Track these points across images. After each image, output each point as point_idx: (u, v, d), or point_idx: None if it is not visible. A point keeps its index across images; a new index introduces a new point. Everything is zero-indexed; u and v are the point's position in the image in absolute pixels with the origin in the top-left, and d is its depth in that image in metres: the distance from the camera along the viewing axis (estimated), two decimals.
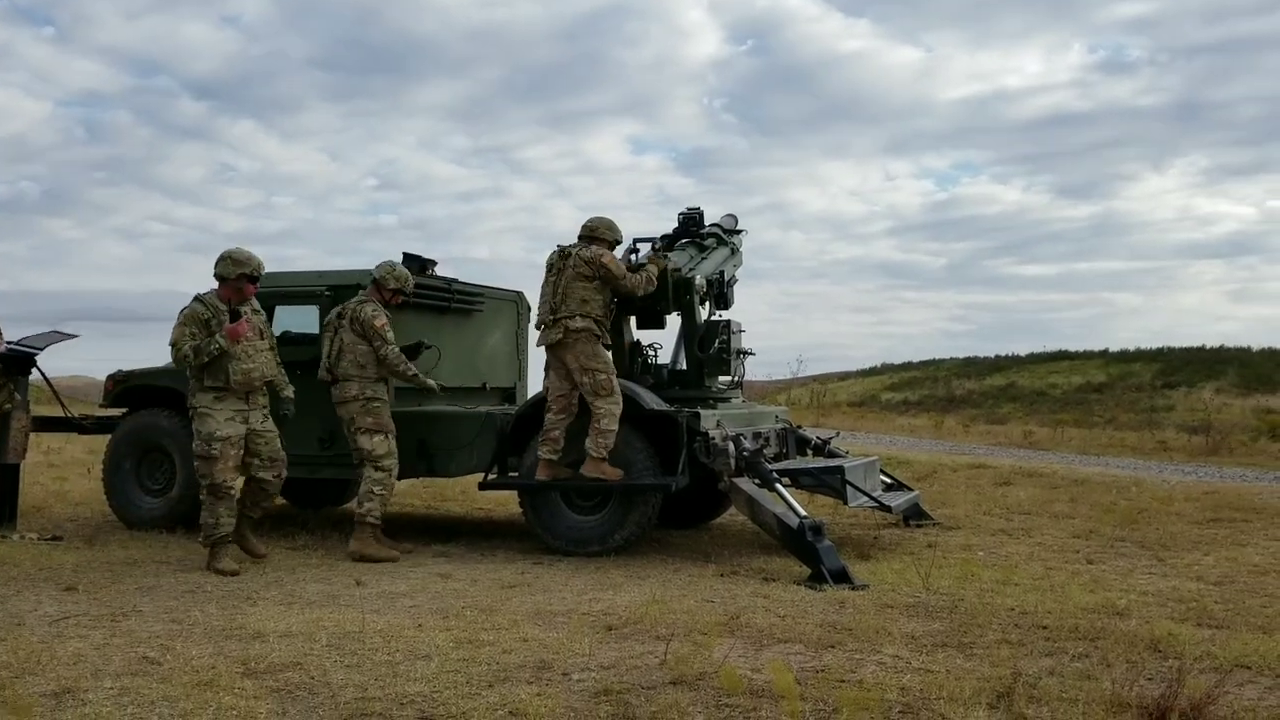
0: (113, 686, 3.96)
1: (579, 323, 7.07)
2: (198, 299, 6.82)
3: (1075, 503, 10.05)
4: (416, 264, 8.28)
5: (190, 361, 6.65)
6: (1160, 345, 36.79)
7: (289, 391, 7.05)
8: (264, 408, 6.90)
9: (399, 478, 7.59)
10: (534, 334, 7.52)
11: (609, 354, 7.19)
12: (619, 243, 7.46)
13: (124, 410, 8.77)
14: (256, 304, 7.05)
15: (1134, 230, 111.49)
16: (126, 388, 8.64)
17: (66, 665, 4.26)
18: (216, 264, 6.81)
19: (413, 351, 7.58)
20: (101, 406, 9.15)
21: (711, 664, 4.17)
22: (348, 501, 9.42)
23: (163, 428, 8.36)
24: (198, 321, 6.71)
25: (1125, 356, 36.39)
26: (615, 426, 6.98)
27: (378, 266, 7.53)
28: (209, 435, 6.68)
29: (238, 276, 6.80)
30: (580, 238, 7.38)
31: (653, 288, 7.35)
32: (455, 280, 8.60)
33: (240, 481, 6.93)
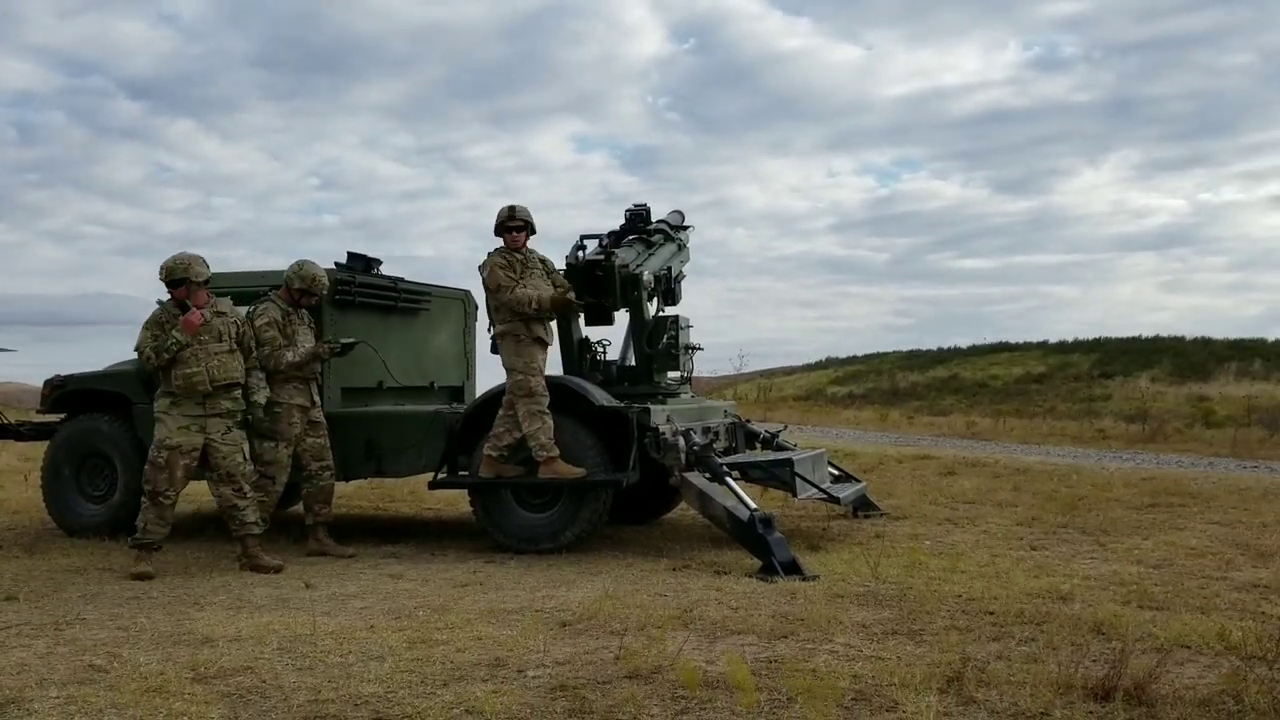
0: (59, 695, 3.89)
1: (499, 328, 7.14)
2: (159, 302, 6.82)
3: (1018, 491, 10.23)
4: (362, 263, 8.21)
5: (154, 362, 6.62)
6: (1097, 336, 37.66)
7: (258, 396, 6.93)
8: (226, 416, 6.73)
9: (348, 478, 7.46)
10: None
11: (537, 354, 7.07)
12: (513, 226, 7.17)
13: (62, 416, 8.60)
14: (226, 306, 6.93)
15: (1070, 224, 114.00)
16: (65, 393, 8.47)
17: (10, 675, 4.17)
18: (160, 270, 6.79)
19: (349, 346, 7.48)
20: (39, 412, 8.95)
21: (666, 658, 4.19)
22: (295, 504, 9.31)
23: (103, 432, 8.20)
24: (157, 324, 6.71)
25: (1063, 347, 37.07)
26: (539, 426, 6.91)
27: (289, 267, 7.41)
28: (159, 442, 6.64)
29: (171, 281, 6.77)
30: None
31: (534, 310, 6.98)
32: (401, 279, 8.54)
33: (180, 491, 6.79)
